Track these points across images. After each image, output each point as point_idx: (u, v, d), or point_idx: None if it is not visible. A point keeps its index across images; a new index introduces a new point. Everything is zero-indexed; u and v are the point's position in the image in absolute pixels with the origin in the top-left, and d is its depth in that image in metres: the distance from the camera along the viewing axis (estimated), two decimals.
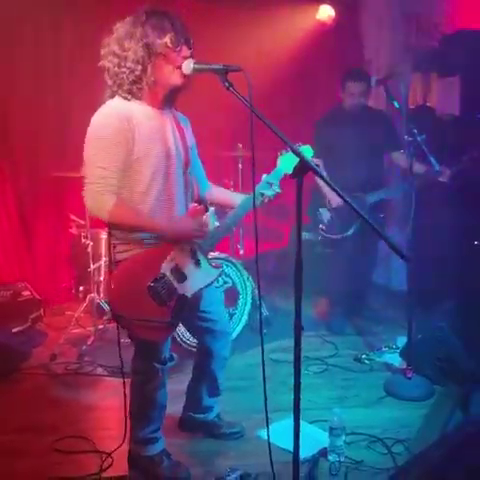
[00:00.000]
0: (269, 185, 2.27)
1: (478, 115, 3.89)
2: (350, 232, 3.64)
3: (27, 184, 4.39)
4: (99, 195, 2.01)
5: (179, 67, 2.04)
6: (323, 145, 3.62)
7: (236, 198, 2.38)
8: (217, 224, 2.32)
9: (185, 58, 2.05)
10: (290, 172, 2.16)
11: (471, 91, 3.98)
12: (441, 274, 3.80)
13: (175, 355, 2.32)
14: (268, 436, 2.02)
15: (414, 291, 3.10)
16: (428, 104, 4.63)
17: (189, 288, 2.16)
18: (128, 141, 2.01)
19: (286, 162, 2.25)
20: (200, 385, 2.54)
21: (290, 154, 2.22)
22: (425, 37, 4.73)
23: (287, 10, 4.75)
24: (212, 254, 3.60)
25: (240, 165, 4.14)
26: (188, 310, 2.18)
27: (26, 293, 3.90)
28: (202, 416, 2.59)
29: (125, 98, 2.07)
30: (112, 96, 2.10)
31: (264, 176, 2.29)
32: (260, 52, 4.57)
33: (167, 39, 2.02)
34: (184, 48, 2.06)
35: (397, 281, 4.71)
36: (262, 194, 2.27)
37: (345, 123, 3.66)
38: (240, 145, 4.11)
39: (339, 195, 1.79)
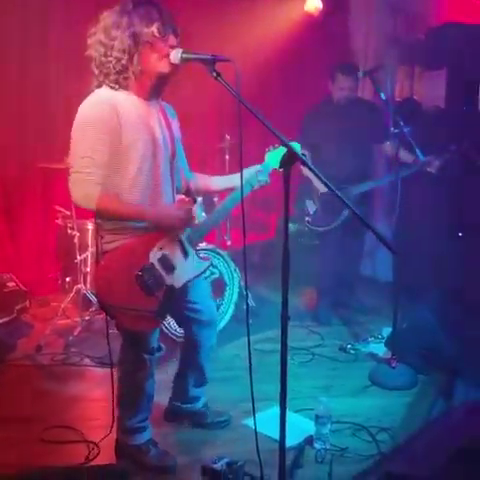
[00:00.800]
0: (261, 172, 2.27)
1: (464, 108, 3.94)
2: (335, 224, 3.66)
3: (13, 175, 4.34)
4: (85, 184, 2.00)
5: (166, 56, 2.03)
6: (312, 137, 3.64)
7: (218, 180, 2.38)
8: (204, 215, 2.33)
9: (172, 47, 2.04)
10: (278, 167, 2.20)
11: (457, 84, 4.01)
12: (426, 265, 3.85)
13: (163, 345, 2.32)
14: (255, 425, 2.03)
15: (399, 281, 3.13)
16: (414, 97, 4.67)
17: (177, 279, 2.16)
18: (115, 131, 2.01)
19: (273, 158, 2.26)
20: (187, 375, 2.55)
21: (277, 150, 2.24)
22: (412, 30, 4.76)
23: (275, 1, 4.73)
24: (199, 245, 3.61)
25: (227, 156, 4.14)
26: (176, 301, 2.18)
27: (11, 284, 3.86)
28: (189, 406, 2.60)
29: (112, 88, 2.06)
30: (99, 86, 2.08)
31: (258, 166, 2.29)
32: (248, 44, 4.56)
33: (154, 28, 2.01)
34: (171, 37, 2.05)
35: (382, 273, 4.76)
36: (251, 185, 2.27)
37: (334, 116, 3.67)
38: (228, 136, 4.11)
39: (327, 186, 1.81)
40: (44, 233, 4.49)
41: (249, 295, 3.99)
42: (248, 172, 2.25)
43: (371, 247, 4.42)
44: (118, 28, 2.01)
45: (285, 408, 1.93)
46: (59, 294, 4.08)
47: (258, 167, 2.29)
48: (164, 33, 2.03)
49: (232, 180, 2.35)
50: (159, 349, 2.27)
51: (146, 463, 2.28)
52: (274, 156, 2.25)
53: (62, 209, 3.88)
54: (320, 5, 4.80)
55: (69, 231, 3.74)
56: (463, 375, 2.93)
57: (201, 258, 2.30)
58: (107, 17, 2.05)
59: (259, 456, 2.02)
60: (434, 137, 3.83)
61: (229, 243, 4.24)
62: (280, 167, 1.80)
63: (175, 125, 2.27)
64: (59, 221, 3.97)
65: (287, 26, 4.80)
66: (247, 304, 2.11)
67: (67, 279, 3.85)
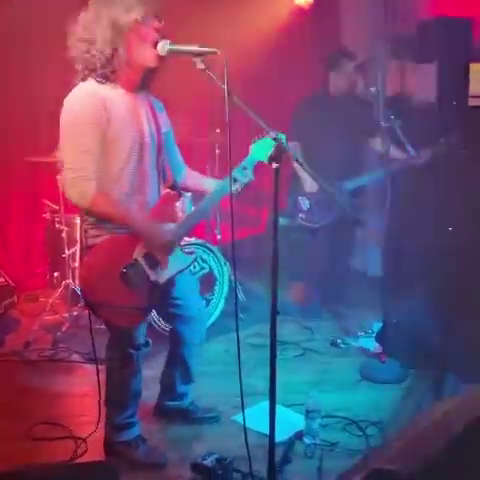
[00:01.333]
0: (244, 169, 2.24)
1: (454, 102, 3.92)
2: (330, 220, 3.64)
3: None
4: (79, 181, 1.96)
5: (153, 42, 1.98)
6: (302, 129, 3.61)
7: (211, 184, 2.34)
8: (193, 208, 2.30)
9: (157, 31, 1.99)
10: (263, 159, 2.17)
11: (447, 78, 4.00)
12: (416, 259, 3.85)
13: (150, 340, 2.30)
14: (244, 418, 2.02)
15: (389, 276, 3.13)
16: (405, 92, 4.66)
17: (161, 274, 2.14)
18: (103, 124, 1.97)
19: (258, 150, 2.22)
20: (173, 372, 2.52)
21: (262, 141, 2.19)
22: (402, 24, 4.74)
23: None
24: (189, 240, 3.59)
25: (217, 150, 4.11)
26: (161, 296, 2.16)
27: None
28: (177, 403, 2.58)
29: (98, 81, 2.01)
30: (84, 79, 2.03)
31: (243, 161, 2.26)
32: (237, 36, 4.50)
33: (135, 14, 1.95)
34: (154, 21, 1.99)
35: (373, 268, 4.76)
36: (235, 180, 2.24)
37: (325, 108, 3.64)
38: (218, 130, 4.08)
39: (315, 179, 1.79)
40: (31, 227, 4.45)
41: (240, 290, 3.99)
42: (236, 171, 2.20)
43: (362, 243, 4.42)
44: (97, 21, 1.95)
45: (274, 403, 1.92)
46: (47, 289, 4.05)
47: (244, 164, 2.23)
48: (146, 18, 1.96)
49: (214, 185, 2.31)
50: (146, 344, 2.25)
51: (135, 460, 2.27)
52: (259, 148, 2.20)
53: (50, 203, 3.84)
54: None
55: (57, 225, 3.70)
56: (452, 370, 2.94)
57: (186, 253, 2.28)
58: (84, 15, 2.00)
59: (248, 452, 2.01)
60: (424, 131, 3.82)
61: (219, 237, 4.23)
62: (269, 161, 1.78)
63: (163, 119, 2.24)
64: (47, 215, 3.93)
65: (277, 19, 4.76)
66: (236, 298, 2.08)
67: (55, 274, 3.82)
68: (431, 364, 3.02)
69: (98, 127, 1.96)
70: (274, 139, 1.76)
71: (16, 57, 4.21)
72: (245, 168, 2.22)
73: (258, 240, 5.11)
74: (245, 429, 2.00)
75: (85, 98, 1.98)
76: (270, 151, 1.76)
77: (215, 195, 2.25)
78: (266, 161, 2.11)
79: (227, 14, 4.51)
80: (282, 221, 4.69)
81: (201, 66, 1.86)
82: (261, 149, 2.16)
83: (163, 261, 2.12)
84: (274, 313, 1.86)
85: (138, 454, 2.28)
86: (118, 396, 2.26)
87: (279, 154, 1.75)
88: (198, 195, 3.66)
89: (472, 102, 4.22)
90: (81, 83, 2.03)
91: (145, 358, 2.31)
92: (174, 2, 4.41)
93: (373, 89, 2.94)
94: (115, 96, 2.02)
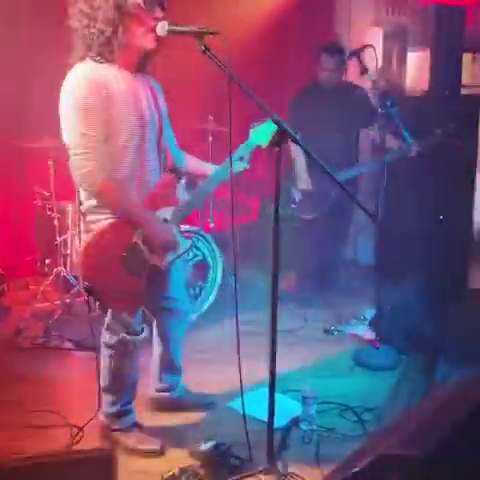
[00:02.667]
0: (240, 159, 2.21)
1: (446, 92, 3.93)
2: (321, 211, 3.65)
3: None
4: (89, 166, 1.92)
5: (152, 30, 1.96)
6: (298, 121, 3.59)
7: (211, 168, 2.33)
8: (186, 195, 2.28)
9: (157, 20, 1.97)
10: (263, 144, 2.15)
11: (440, 67, 4.00)
12: (409, 246, 3.87)
13: (147, 327, 2.28)
14: (243, 405, 2.02)
15: (383, 262, 3.15)
16: (398, 80, 4.65)
17: (161, 258, 2.11)
18: (105, 106, 1.94)
19: (259, 134, 2.18)
20: (159, 364, 2.50)
21: (263, 126, 2.16)
22: (396, 11, 4.73)
23: None
24: (183, 227, 3.55)
25: (210, 138, 4.08)
26: (160, 281, 2.15)
27: None
28: (168, 394, 2.55)
29: (96, 61, 1.98)
30: (82, 59, 2.00)
31: (240, 147, 2.24)
32: (229, 22, 4.44)
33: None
34: (157, 9, 1.97)
35: (364, 256, 4.78)
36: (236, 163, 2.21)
37: (320, 99, 3.63)
38: (211, 117, 4.04)
39: (320, 166, 1.78)
40: (21, 214, 4.38)
41: (232, 277, 3.97)
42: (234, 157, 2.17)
43: (353, 231, 4.43)
44: None
45: (274, 389, 1.92)
46: (37, 277, 4.00)
47: (242, 154, 2.18)
48: (150, 4, 1.95)
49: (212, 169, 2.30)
50: (143, 330, 2.23)
51: (131, 447, 2.25)
52: (259, 132, 2.17)
53: (41, 190, 3.78)
54: None
55: (48, 212, 3.65)
56: (445, 355, 2.97)
57: (184, 236, 2.26)
58: None
59: (248, 438, 2.01)
60: (416, 120, 3.83)
61: (212, 225, 4.21)
62: (271, 146, 1.76)
63: (161, 100, 2.21)
64: (38, 202, 3.86)
65: (269, 6, 4.71)
66: (235, 284, 2.08)
67: (46, 261, 3.77)
68: (424, 349, 3.05)
69: (100, 109, 1.93)
70: (276, 122, 1.74)
71: (4, 40, 4.11)
72: (241, 157, 2.19)
73: (249, 228, 5.10)
74: (244, 416, 2.00)
75: (85, 80, 1.94)
76: (270, 136, 1.74)
77: (216, 177, 2.22)
78: (265, 146, 2.10)
79: (220, 2, 4.47)
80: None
81: (201, 48, 1.83)
82: (261, 134, 2.13)
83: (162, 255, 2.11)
84: (275, 302, 1.86)
85: (134, 441, 2.27)
86: (114, 383, 2.24)
87: (281, 138, 1.73)
88: (191, 182, 3.69)
89: (465, 91, 4.24)
90: (79, 64, 1.99)
91: (141, 345, 2.29)
92: None
93: (369, 76, 2.93)
94: (115, 77, 1.99)
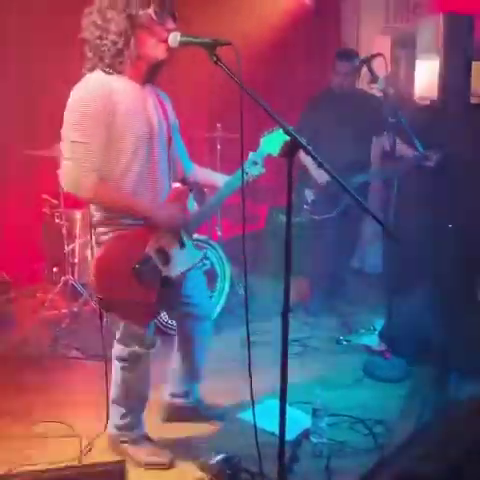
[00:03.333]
0: (255, 163, 2.21)
1: (455, 101, 3.91)
2: (334, 213, 3.62)
3: None
4: (78, 172, 1.92)
5: (164, 40, 1.96)
6: (311, 126, 3.58)
7: (219, 178, 2.32)
8: (195, 205, 2.27)
9: (169, 32, 1.97)
10: (275, 153, 2.15)
11: (449, 75, 3.99)
12: (419, 256, 3.84)
13: (158, 339, 2.26)
14: (254, 417, 1.99)
15: (392, 272, 3.12)
16: (407, 89, 4.64)
17: (173, 269, 2.11)
18: (110, 116, 1.93)
19: (269, 143, 2.19)
20: (180, 370, 2.49)
21: (273, 135, 2.17)
22: (403, 20, 4.73)
23: None
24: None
25: (218, 146, 4.07)
26: (173, 293, 2.13)
27: None
28: (182, 400, 2.54)
29: (106, 72, 1.98)
30: (92, 69, 2.00)
31: (251, 154, 2.23)
32: (238, 31, 4.45)
33: (151, 10, 1.94)
34: (169, 21, 1.98)
35: (371, 265, 4.76)
36: (247, 173, 2.21)
37: (334, 106, 3.62)
38: (219, 125, 4.04)
39: (330, 174, 1.76)
40: (29, 223, 4.38)
41: (240, 286, 3.96)
42: (247, 165, 2.16)
43: (360, 239, 4.40)
44: (114, 9, 1.93)
45: (285, 402, 1.90)
46: (45, 285, 4.00)
47: (253, 158, 2.19)
48: (162, 16, 1.95)
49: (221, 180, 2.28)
50: (154, 343, 2.21)
51: (140, 459, 2.23)
52: (270, 141, 2.17)
53: (49, 198, 3.78)
54: None
55: (57, 220, 3.64)
56: (455, 367, 2.93)
57: (196, 247, 2.25)
58: (101, 0, 1.96)
59: (259, 451, 1.98)
60: (427, 129, 3.81)
61: (220, 234, 4.19)
62: (282, 155, 1.75)
63: (171, 111, 2.21)
64: (46, 210, 3.86)
65: (278, 14, 4.72)
66: (246, 295, 2.06)
67: (54, 269, 3.76)
68: (434, 361, 3.01)
69: (102, 119, 1.93)
70: (287, 133, 1.72)
71: (14, 48, 4.13)
72: (255, 162, 2.18)
73: (256, 236, 5.09)
74: (255, 428, 1.97)
75: (93, 90, 1.94)
76: (281, 144, 1.74)
77: (227, 188, 2.21)
78: (276, 154, 2.10)
79: (228, 8, 4.48)
80: (281, 217, 4.69)
81: (213, 58, 1.82)
82: (272, 142, 2.13)
83: (175, 248, 2.08)
84: (286, 312, 1.84)
85: (144, 454, 2.25)
86: (125, 396, 2.22)
87: (292, 148, 1.71)
88: (198, 192, 3.69)
89: (474, 100, 4.22)
90: (88, 74, 1.99)
91: (153, 357, 2.27)
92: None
93: (379, 84, 2.91)
94: (123, 87, 1.99)
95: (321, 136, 3.57)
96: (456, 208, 3.71)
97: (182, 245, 2.15)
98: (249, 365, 1.95)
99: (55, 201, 3.71)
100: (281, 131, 1.97)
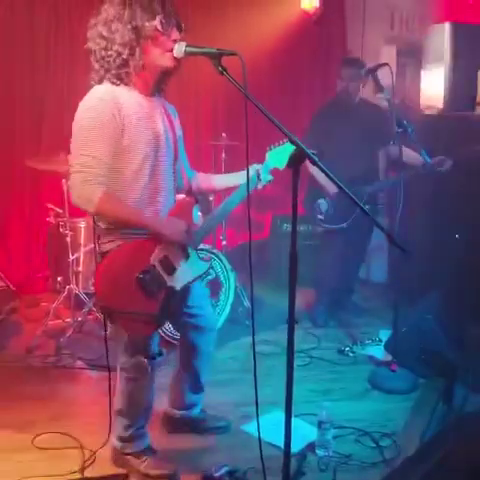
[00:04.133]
0: (259, 176, 2.20)
1: (461, 109, 3.90)
2: (349, 222, 3.59)
3: (1, 173, 4.24)
4: (87, 185, 1.90)
5: (170, 50, 1.96)
6: (319, 137, 3.57)
7: (223, 180, 2.31)
8: (200, 215, 2.26)
9: (175, 42, 1.96)
10: (280, 167, 2.14)
11: (455, 84, 3.98)
12: (426, 266, 3.82)
13: (164, 350, 2.24)
14: (259, 430, 1.97)
15: (398, 283, 3.09)
16: (413, 98, 4.63)
17: (178, 280, 2.09)
18: (118, 129, 1.92)
19: (275, 157, 2.18)
20: (183, 381, 2.47)
21: (280, 149, 2.16)
22: (409, 29, 4.73)
23: None
24: None
25: (223, 155, 4.07)
26: (177, 303, 2.11)
27: (0, 284, 3.78)
28: (185, 412, 2.52)
29: (113, 83, 1.97)
30: (100, 81, 1.99)
31: (255, 167, 2.22)
32: (242, 41, 4.48)
33: (157, 22, 1.93)
34: (174, 31, 1.97)
35: (376, 274, 4.73)
36: (258, 178, 2.19)
37: (342, 116, 3.61)
38: (224, 134, 4.04)
39: (338, 185, 1.75)
40: (33, 231, 4.40)
41: (244, 296, 3.94)
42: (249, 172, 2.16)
43: (368, 248, 4.38)
44: (119, 21, 1.92)
45: (291, 415, 1.87)
46: (49, 294, 4.00)
47: (257, 167, 2.20)
48: (167, 27, 1.95)
49: (233, 180, 2.28)
50: (160, 354, 2.19)
51: (144, 472, 2.21)
52: (276, 155, 2.17)
53: (54, 207, 3.78)
54: (316, 3, 4.75)
55: (61, 230, 3.64)
56: (462, 379, 2.89)
57: (202, 259, 2.23)
58: (108, 9, 1.96)
59: (263, 464, 1.96)
60: (433, 138, 3.80)
61: (224, 243, 4.18)
62: (289, 166, 1.73)
63: (177, 123, 2.21)
64: (51, 219, 3.86)
65: (283, 24, 4.74)
66: (252, 304, 2.03)
67: (58, 279, 3.75)
68: (442, 373, 2.98)
69: (111, 131, 1.91)
70: (294, 143, 1.70)
71: (20, 61, 4.16)
72: (259, 175, 2.18)
73: (261, 245, 5.07)
74: (260, 441, 1.95)
75: (101, 102, 1.92)
76: (287, 158, 1.72)
77: (234, 198, 2.21)
78: (282, 168, 2.09)
79: (234, 19, 4.51)
80: (287, 227, 4.67)
81: (219, 68, 1.81)
82: (278, 156, 2.13)
83: (180, 259, 2.08)
84: (292, 324, 1.82)
85: (147, 466, 2.22)
86: (129, 407, 2.20)
87: (299, 159, 1.70)
88: (203, 201, 3.68)
89: None
90: (96, 86, 1.98)
91: (158, 368, 2.25)
92: (181, 10, 4.42)
93: (385, 94, 2.90)
94: (131, 99, 1.98)
95: (327, 146, 3.55)
96: (463, 218, 3.68)
97: (187, 256, 2.13)
98: (255, 376, 1.91)
99: (60, 210, 3.71)
100: (287, 144, 1.96)
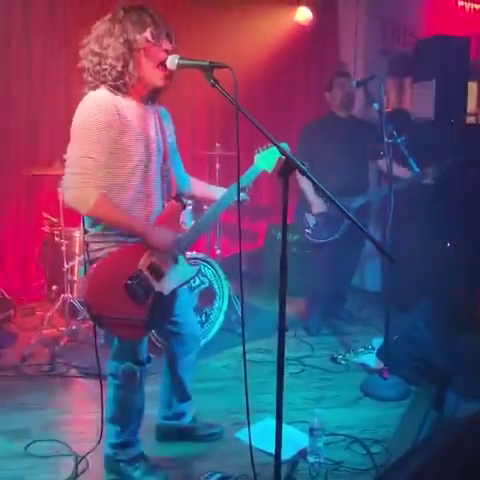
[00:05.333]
0: (248, 181, 2.24)
1: (452, 120, 3.96)
2: (336, 237, 3.63)
3: None
4: (84, 186, 1.92)
5: (162, 62, 1.99)
6: (308, 151, 3.62)
7: (216, 191, 2.34)
8: (193, 222, 2.29)
9: (167, 52, 2.00)
10: (269, 169, 2.19)
11: (445, 95, 4.04)
12: (417, 275, 3.85)
13: (152, 356, 2.26)
14: (250, 437, 1.98)
15: (390, 291, 3.13)
16: (403, 108, 4.70)
17: (166, 286, 2.11)
18: (115, 132, 1.96)
19: (264, 160, 2.22)
20: (169, 390, 2.48)
21: (268, 151, 2.21)
22: (400, 42, 4.81)
23: (265, 11, 4.74)
24: (189, 254, 3.56)
25: (218, 165, 4.11)
26: (165, 308, 2.14)
27: None
28: (175, 422, 2.53)
29: (111, 90, 2.01)
30: (95, 88, 2.02)
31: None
32: (237, 53, 4.55)
33: (147, 33, 1.98)
34: (165, 42, 2.01)
35: (371, 283, 4.77)
36: (242, 189, 2.23)
37: (331, 130, 3.65)
38: (218, 144, 4.09)
39: (327, 196, 1.78)
40: (28, 240, 4.42)
41: (238, 304, 3.96)
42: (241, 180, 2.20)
43: (360, 257, 4.42)
44: (111, 36, 1.97)
45: (281, 421, 1.89)
46: (44, 303, 4.01)
47: (248, 173, 2.24)
48: (158, 38, 1.99)
49: (217, 193, 2.32)
50: (149, 360, 2.21)
51: (135, 479, 2.22)
52: (264, 158, 2.22)
53: (49, 216, 3.81)
54: (310, 15, 4.82)
55: (56, 239, 3.66)
56: (454, 386, 2.92)
57: (190, 264, 2.26)
58: (99, 26, 2.02)
59: (254, 470, 1.97)
60: (424, 148, 3.85)
61: (219, 252, 4.21)
62: (278, 175, 1.77)
63: (170, 129, 2.23)
64: (45, 228, 3.89)
65: (277, 36, 4.80)
66: (242, 315, 2.06)
67: (53, 287, 3.77)
68: (433, 380, 3.00)
69: (108, 135, 1.94)
70: (283, 153, 1.74)
71: (16, 70, 4.20)
72: (249, 177, 2.22)
73: (255, 254, 5.10)
74: (251, 448, 1.97)
75: (99, 106, 1.95)
76: (275, 161, 1.76)
77: (221, 203, 2.25)
78: (271, 171, 2.13)
79: (228, 31, 4.56)
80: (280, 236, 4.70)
81: (210, 81, 1.85)
82: (266, 159, 2.18)
83: (168, 264, 2.10)
84: (282, 331, 1.84)
85: (139, 473, 2.23)
86: (120, 413, 2.21)
87: (287, 169, 1.73)
88: (198, 207, 3.72)
89: (469, 120, 4.27)
90: (92, 92, 2.01)
91: (147, 374, 2.27)
92: (175, 23, 4.49)
93: (376, 105, 2.95)
94: (126, 106, 2.01)
95: (317, 160, 3.60)
96: (456, 226, 3.73)
97: (175, 262, 2.16)
98: (246, 384, 1.94)
99: (55, 219, 3.74)
100: (274, 148, 2.00)
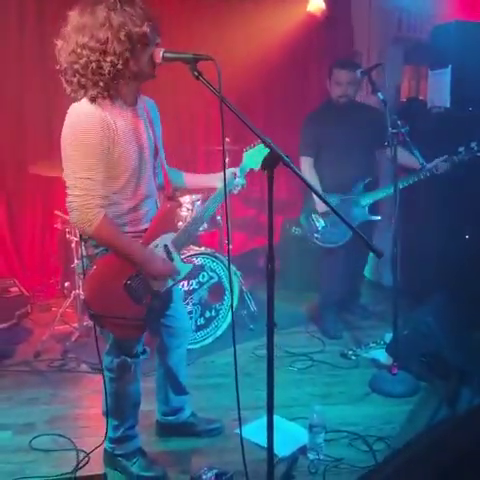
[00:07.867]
0: (233, 179, 2.24)
1: (470, 108, 3.83)
2: (347, 239, 3.44)
3: (13, 181, 4.36)
4: (88, 209, 1.87)
5: (152, 56, 1.95)
6: (312, 141, 3.54)
7: (210, 178, 2.32)
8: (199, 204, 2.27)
9: (158, 46, 1.94)
10: (255, 167, 2.17)
11: (462, 83, 3.91)
12: (429, 268, 3.76)
13: (148, 348, 2.26)
14: (240, 434, 1.97)
15: (400, 287, 3.05)
16: (420, 97, 4.58)
17: (163, 284, 2.13)
18: (109, 146, 1.89)
19: (251, 158, 2.22)
20: (164, 386, 2.48)
21: (255, 150, 2.20)
22: (416, 29, 4.68)
23: (278, 2, 4.69)
24: (198, 249, 3.56)
25: (227, 158, 4.09)
26: (161, 305, 2.14)
27: (14, 289, 3.87)
28: (174, 418, 2.53)
29: (97, 97, 1.89)
30: (82, 96, 1.91)
31: (232, 169, 2.26)
32: (250, 44, 4.52)
33: (146, 28, 1.87)
34: (158, 36, 1.95)
35: (387, 277, 4.66)
36: (230, 189, 2.25)
37: (334, 119, 3.52)
38: (228, 139, 4.06)
39: (317, 194, 1.75)
40: (46, 238, 4.50)
41: (250, 300, 3.93)
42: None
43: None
44: (109, 29, 1.82)
45: (272, 417, 1.87)
46: (60, 299, 4.07)
47: (233, 170, 2.25)
48: (154, 33, 1.90)
49: (210, 181, 2.32)
50: (144, 352, 2.21)
51: (134, 473, 2.23)
52: (251, 156, 2.21)
53: (61, 214, 3.86)
54: (323, 6, 4.73)
55: (67, 236, 3.71)
56: (469, 382, 2.83)
57: (184, 261, 2.27)
58: (86, 16, 1.83)
59: (245, 467, 1.96)
60: (440, 138, 3.74)
61: (231, 247, 4.18)
62: (262, 168, 1.74)
63: (157, 120, 2.17)
64: (58, 226, 3.95)
65: (290, 27, 4.74)
66: (232, 318, 2.05)
67: (66, 284, 3.83)
68: (444, 376, 2.92)
69: (104, 149, 1.88)
70: (268, 146, 1.71)
71: (30, 71, 4.26)
72: (235, 176, 2.22)
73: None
74: (242, 443, 1.95)
75: (93, 118, 1.87)
76: (262, 159, 1.73)
77: (212, 202, 2.25)
78: (257, 169, 2.11)
79: (241, 23, 4.53)
80: (295, 230, 4.65)
81: (194, 73, 1.82)
82: (253, 157, 2.17)
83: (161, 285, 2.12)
84: (271, 326, 1.82)
85: (137, 468, 2.25)
86: (116, 406, 2.22)
87: (272, 161, 1.70)
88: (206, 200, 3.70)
89: None
90: (77, 103, 1.92)
91: (148, 371, 2.27)
92: (188, 15, 4.47)
93: (379, 94, 2.86)
94: (117, 113, 1.94)
95: (323, 151, 3.52)
96: (472, 218, 3.61)
97: (170, 259, 2.16)
98: (236, 380, 1.93)
99: (66, 216, 3.78)
100: (261, 146, 1.97)
